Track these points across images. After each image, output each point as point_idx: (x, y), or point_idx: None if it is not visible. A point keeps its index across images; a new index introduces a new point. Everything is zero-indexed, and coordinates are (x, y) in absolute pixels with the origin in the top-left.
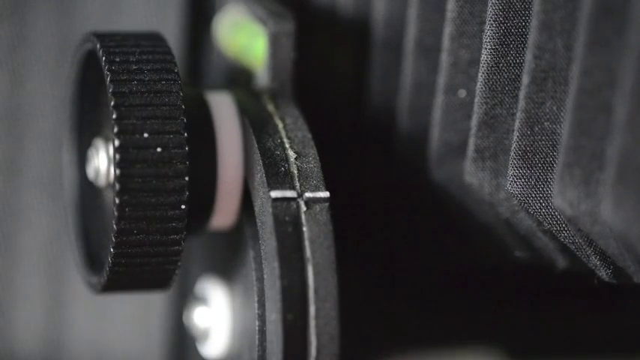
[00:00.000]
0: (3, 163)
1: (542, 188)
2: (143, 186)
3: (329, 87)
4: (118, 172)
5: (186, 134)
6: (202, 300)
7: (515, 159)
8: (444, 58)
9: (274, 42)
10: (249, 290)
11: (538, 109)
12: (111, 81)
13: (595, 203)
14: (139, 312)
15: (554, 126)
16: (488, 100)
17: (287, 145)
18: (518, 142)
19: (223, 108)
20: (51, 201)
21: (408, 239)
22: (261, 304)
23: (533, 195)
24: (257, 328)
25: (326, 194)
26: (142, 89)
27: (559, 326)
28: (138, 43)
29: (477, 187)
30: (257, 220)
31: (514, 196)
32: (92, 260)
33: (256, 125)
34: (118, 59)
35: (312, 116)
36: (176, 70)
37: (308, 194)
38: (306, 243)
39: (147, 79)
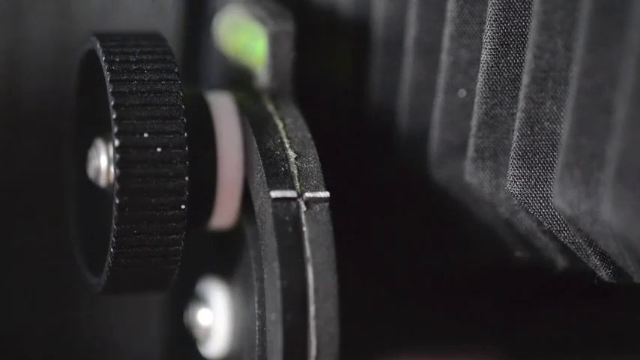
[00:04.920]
0: (3, 163)
1: (542, 188)
2: (143, 186)
3: (329, 87)
4: (118, 172)
5: (186, 134)
6: (202, 300)
7: (515, 159)
8: (444, 58)
9: (274, 42)
10: (249, 290)
11: (538, 109)
12: (111, 81)
13: (595, 203)
14: (139, 312)
15: (554, 126)
16: (488, 100)
17: (287, 145)
18: (518, 142)
19: (223, 108)
20: (51, 201)
21: (408, 239)
22: (261, 304)
23: (533, 195)
24: (257, 328)
25: (326, 194)
26: (142, 89)
27: (559, 326)
28: (138, 43)
29: (477, 187)
30: (257, 220)
31: (514, 196)
32: (92, 260)
33: (256, 125)
34: (118, 59)
35: (312, 116)
36: (176, 70)
37: (308, 194)
38: (306, 243)
39: (147, 79)
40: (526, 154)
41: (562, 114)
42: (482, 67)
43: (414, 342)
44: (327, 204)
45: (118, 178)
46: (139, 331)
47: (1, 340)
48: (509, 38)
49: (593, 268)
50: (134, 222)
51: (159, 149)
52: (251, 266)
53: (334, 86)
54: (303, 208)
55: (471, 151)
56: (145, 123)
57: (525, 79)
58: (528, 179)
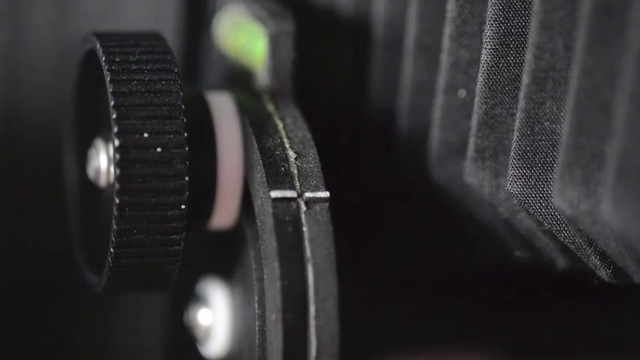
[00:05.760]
0: (3, 163)
1: (542, 188)
2: (143, 186)
3: (329, 87)
4: (118, 172)
5: (186, 134)
6: (203, 300)
7: (515, 159)
8: (444, 58)
9: (274, 42)
10: (249, 290)
11: (538, 109)
12: (111, 81)
13: (595, 203)
14: (139, 312)
15: (554, 126)
16: (488, 100)
17: (287, 145)
18: (518, 142)
19: (223, 108)
20: (51, 201)
21: (408, 239)
22: (261, 304)
23: (533, 195)
24: (257, 328)
25: (326, 194)
26: (142, 89)
27: (559, 326)
28: (138, 43)
29: (477, 187)
30: (257, 220)
31: (514, 196)
32: (92, 260)
33: (256, 125)
34: (118, 59)
35: (312, 116)
36: (176, 70)
37: (308, 194)
38: (306, 243)
39: (147, 79)
40: (526, 154)
41: (562, 114)
42: (482, 67)
43: (414, 342)
44: (327, 204)
45: (118, 178)
46: (139, 331)
47: (1, 340)
48: (509, 38)
49: (593, 268)
50: (134, 222)
51: (159, 149)
52: (251, 266)
53: (334, 86)
54: (303, 208)
55: (471, 151)
56: (145, 123)
57: (525, 79)
58: (528, 179)
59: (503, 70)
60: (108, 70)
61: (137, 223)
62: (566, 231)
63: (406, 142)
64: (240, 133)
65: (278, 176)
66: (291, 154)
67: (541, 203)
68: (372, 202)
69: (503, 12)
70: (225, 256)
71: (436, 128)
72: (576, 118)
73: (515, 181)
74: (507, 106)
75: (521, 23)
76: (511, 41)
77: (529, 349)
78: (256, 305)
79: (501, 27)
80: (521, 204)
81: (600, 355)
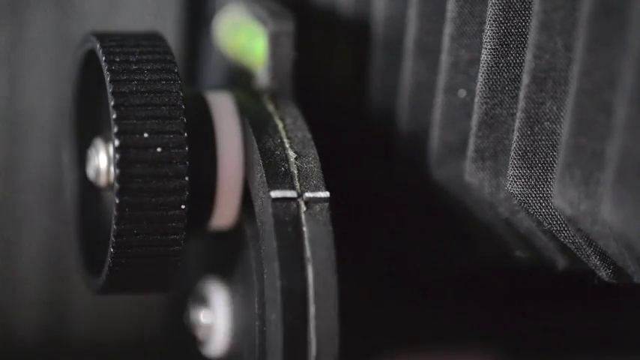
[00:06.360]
0: (2, 163)
1: (542, 188)
2: (143, 186)
3: (329, 87)
4: (118, 172)
5: (186, 134)
6: (202, 300)
7: (515, 159)
8: (444, 58)
9: (274, 42)
10: (249, 290)
11: (538, 109)
12: (111, 81)
13: (595, 203)
14: (139, 311)
15: (554, 126)
16: (488, 100)
17: (287, 145)
18: (518, 142)
19: (223, 108)
20: (51, 201)
21: (408, 239)
22: (261, 304)
23: (533, 195)
24: (257, 328)
25: (326, 194)
26: (142, 89)
27: (559, 326)
28: (138, 43)
29: (477, 187)
30: (257, 220)
31: (514, 196)
32: (92, 260)
33: (256, 125)
34: (118, 59)
35: (312, 116)
36: (176, 70)
37: (308, 194)
38: (306, 243)
39: (147, 79)
40: (526, 154)
41: (562, 114)
42: (482, 67)
43: (413, 342)
44: (327, 204)
45: (118, 178)
46: (139, 331)
47: (1, 340)
48: (509, 38)
49: (593, 268)
50: (134, 222)
51: (159, 149)
52: (251, 266)
53: (334, 86)
54: (303, 208)
55: (470, 151)
56: (145, 123)
57: (525, 79)
58: (528, 179)
59: (503, 70)
60: (108, 70)
61: (137, 223)
62: (566, 231)
63: (406, 142)
64: (240, 133)
65: (278, 176)
66: (291, 154)
67: (541, 203)
68: (372, 202)
69: (503, 12)
70: (225, 256)
71: (436, 128)
72: (576, 118)
73: (515, 181)
74: (507, 106)
75: (521, 23)
76: (511, 41)
77: (530, 349)
78: (256, 305)
79: (501, 27)
80: (521, 204)
81: (600, 355)
